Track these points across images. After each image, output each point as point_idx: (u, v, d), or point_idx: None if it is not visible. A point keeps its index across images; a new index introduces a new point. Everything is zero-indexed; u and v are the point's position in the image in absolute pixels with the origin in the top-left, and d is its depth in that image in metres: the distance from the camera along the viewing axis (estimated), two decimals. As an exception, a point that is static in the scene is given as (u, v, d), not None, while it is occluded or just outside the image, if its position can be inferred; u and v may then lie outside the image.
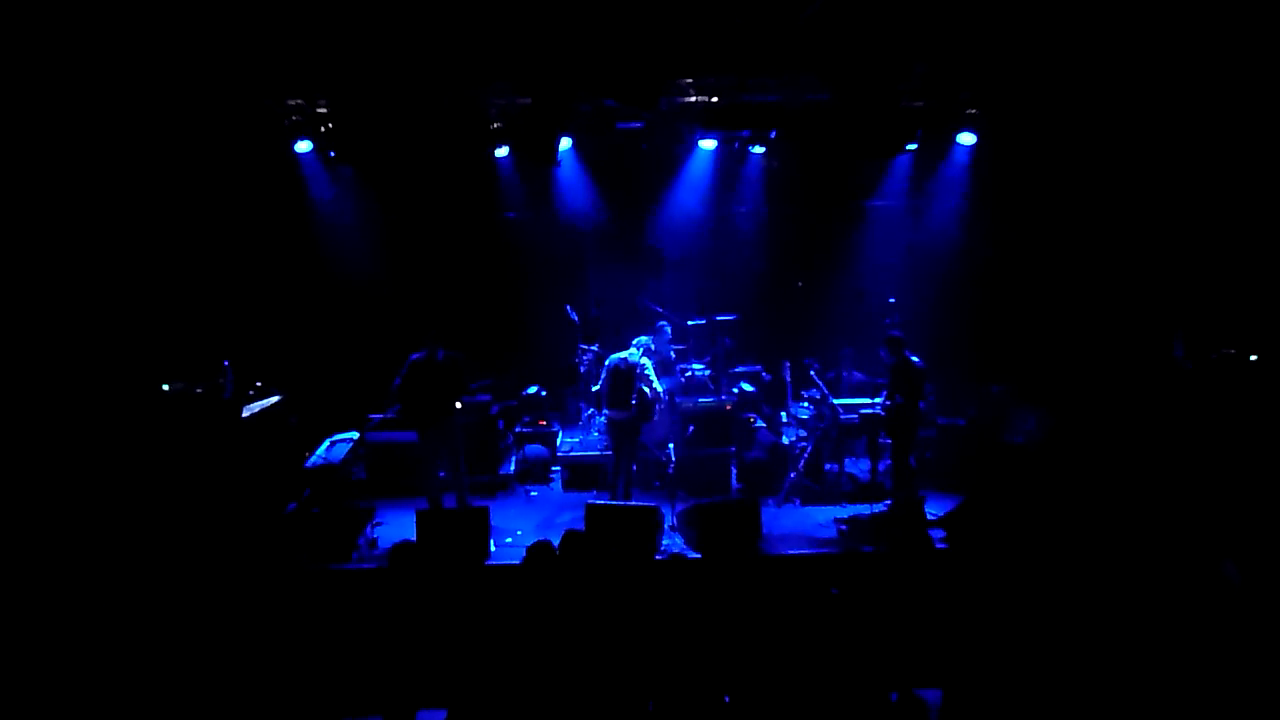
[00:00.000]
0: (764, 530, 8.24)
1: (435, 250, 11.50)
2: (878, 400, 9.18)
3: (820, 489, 9.54)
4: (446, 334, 8.57)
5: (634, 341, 9.08)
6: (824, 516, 8.98)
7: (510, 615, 5.35)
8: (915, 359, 8.85)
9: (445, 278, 11.52)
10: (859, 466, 10.22)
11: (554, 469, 10.53)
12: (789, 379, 10.44)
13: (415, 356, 8.49)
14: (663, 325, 10.52)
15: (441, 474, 8.81)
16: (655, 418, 9.14)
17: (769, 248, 11.95)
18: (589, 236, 11.79)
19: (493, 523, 8.11)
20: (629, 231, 11.81)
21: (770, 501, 9.32)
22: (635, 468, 9.38)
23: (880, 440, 9.44)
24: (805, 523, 8.91)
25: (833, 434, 9.63)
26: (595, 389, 9.84)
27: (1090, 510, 7.68)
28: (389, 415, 9.37)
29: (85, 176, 8.39)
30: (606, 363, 9.11)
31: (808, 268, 11.95)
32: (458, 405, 8.65)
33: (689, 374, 10.72)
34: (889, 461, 9.40)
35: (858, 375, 11.01)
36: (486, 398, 10.29)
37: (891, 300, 10.73)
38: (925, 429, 9.77)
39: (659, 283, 11.71)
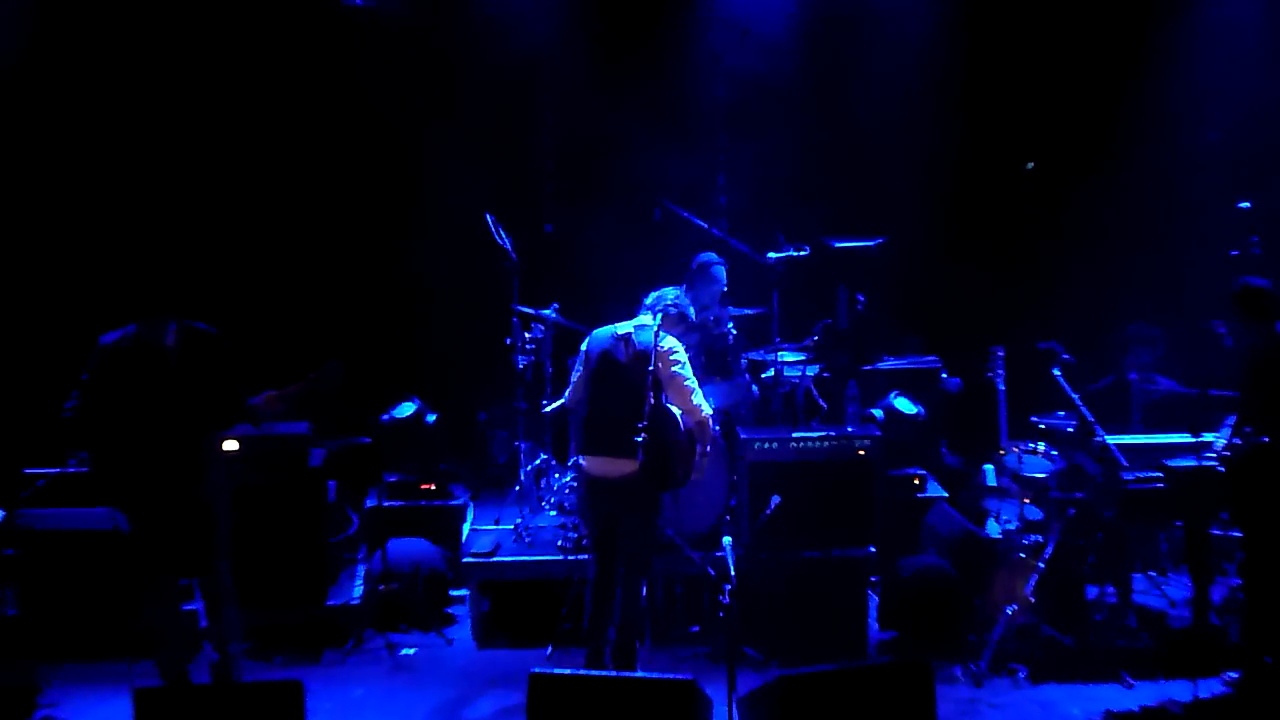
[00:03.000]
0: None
1: (184, 88, 11.82)
2: (1209, 439, 9.23)
3: (1076, 642, 9.48)
4: (185, 287, 8.50)
5: (647, 300, 9.07)
6: (1085, 709, 8.95)
7: None
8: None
9: (205, 154, 11.91)
10: (1166, 591, 10.34)
11: (456, 596, 10.72)
12: (1003, 388, 10.40)
13: (110, 339, 8.41)
14: (709, 262, 10.62)
15: (192, 607, 9.11)
16: (694, 475, 9.05)
17: (952, 90, 12.29)
18: (539, 58, 12.15)
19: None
20: (629, 53, 12.16)
21: (958, 671, 9.38)
22: (646, 590, 9.35)
23: (1216, 531, 9.54)
24: (1040, 722, 9.06)
25: (1103, 516, 9.59)
26: (552, 406, 10.04)
27: None
28: (70, 470, 9.64)
29: None
30: (584, 347, 9.14)
31: (1043, 137, 12.08)
32: (228, 446, 8.90)
33: (770, 375, 10.85)
34: (1238, 580, 9.50)
35: (1163, 382, 11.08)
36: (301, 428, 10.28)
37: (1245, 205, 10.94)
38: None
39: (704, 164, 11.96)
